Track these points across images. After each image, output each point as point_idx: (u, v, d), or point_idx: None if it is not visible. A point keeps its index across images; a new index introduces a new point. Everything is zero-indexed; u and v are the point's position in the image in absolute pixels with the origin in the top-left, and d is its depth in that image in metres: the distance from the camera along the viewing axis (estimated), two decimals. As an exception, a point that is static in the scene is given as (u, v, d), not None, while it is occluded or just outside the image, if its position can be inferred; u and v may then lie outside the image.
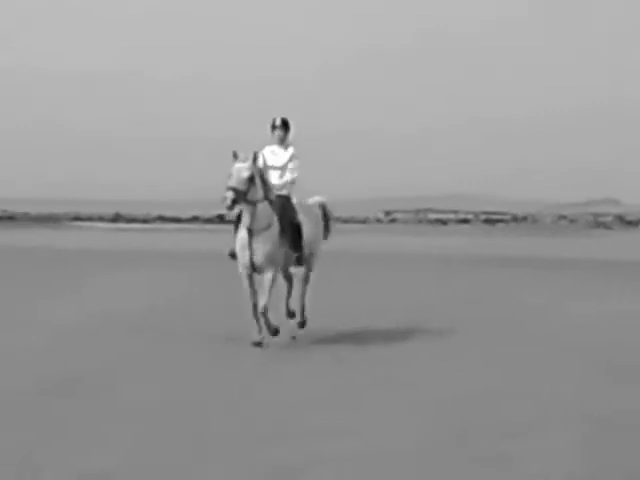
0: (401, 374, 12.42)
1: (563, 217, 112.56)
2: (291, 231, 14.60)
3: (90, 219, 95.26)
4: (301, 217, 14.90)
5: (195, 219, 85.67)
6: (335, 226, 16.28)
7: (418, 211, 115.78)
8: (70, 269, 29.83)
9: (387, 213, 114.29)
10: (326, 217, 15.85)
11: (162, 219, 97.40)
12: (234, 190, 13.74)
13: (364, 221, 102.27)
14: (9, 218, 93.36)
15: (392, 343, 14.84)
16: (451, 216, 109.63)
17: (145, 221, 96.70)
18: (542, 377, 12.44)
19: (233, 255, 14.50)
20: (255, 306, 14.23)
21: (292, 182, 14.93)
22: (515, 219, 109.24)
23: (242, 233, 14.31)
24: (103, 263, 33.31)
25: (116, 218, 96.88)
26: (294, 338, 14.98)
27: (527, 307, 20.34)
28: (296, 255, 14.78)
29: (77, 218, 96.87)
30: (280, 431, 9.29)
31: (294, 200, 15.00)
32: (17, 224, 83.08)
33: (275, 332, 14.39)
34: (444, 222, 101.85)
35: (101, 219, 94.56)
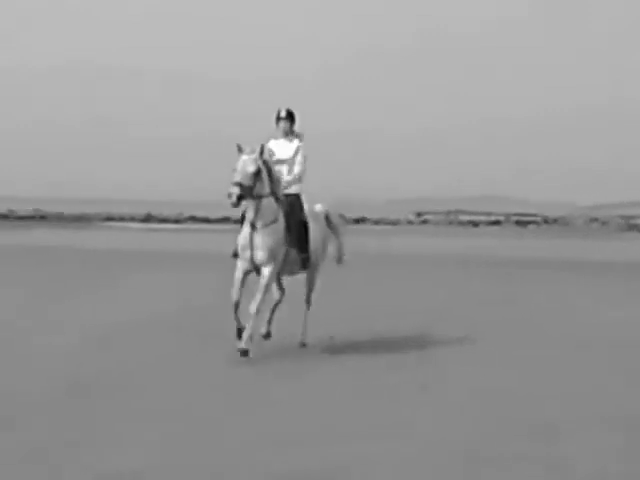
0: (424, 375, 12.45)
1: (594, 220, 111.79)
2: (297, 231, 13.87)
3: (122, 219, 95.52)
4: (310, 220, 14.24)
5: (226, 219, 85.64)
6: (344, 235, 15.47)
7: (449, 212, 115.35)
8: (102, 269, 29.96)
9: (418, 214, 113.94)
10: (332, 226, 15.03)
11: (194, 219, 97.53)
12: (240, 186, 13.09)
13: (395, 222, 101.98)
14: (41, 217, 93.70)
15: (416, 345, 14.88)
16: (482, 218, 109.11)
17: (177, 221, 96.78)
18: (563, 378, 12.47)
19: (237, 255, 13.75)
20: (237, 303, 13.42)
21: (300, 177, 14.22)
22: (546, 221, 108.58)
23: (245, 229, 13.60)
24: (135, 264, 33.42)
25: (148, 218, 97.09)
26: (304, 345, 14.48)
27: (554, 309, 20.32)
28: (302, 257, 14.02)
29: (109, 218, 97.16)
30: (304, 435, 9.34)
31: (304, 199, 14.31)
32: (49, 223, 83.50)
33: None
34: (475, 224, 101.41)
35: (133, 219, 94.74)
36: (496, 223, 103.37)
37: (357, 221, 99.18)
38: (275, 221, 13.51)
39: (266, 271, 13.50)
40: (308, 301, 14.79)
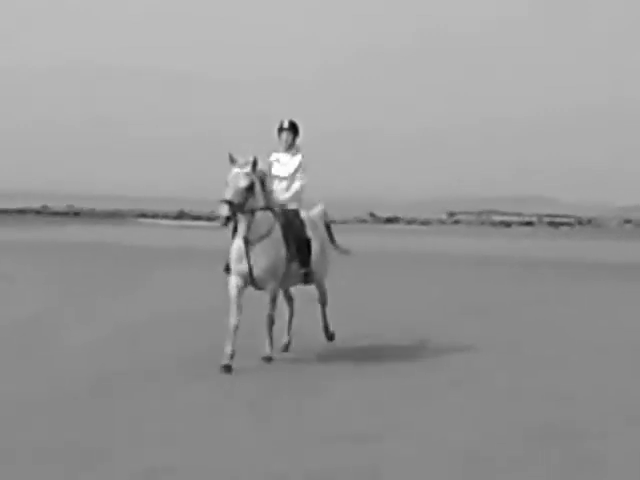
0: (456, 375, 12.40)
1: (628, 221, 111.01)
2: (298, 246, 13.14)
3: (155, 216, 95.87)
4: (310, 233, 13.51)
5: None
6: (333, 234, 14.65)
7: (481, 213, 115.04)
8: (134, 266, 30.05)
9: (450, 214, 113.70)
10: (328, 226, 14.50)
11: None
12: (230, 204, 12.23)
13: (427, 222, 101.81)
14: (75, 214, 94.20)
15: (446, 345, 14.81)
16: (514, 218, 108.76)
17: (210, 219, 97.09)
18: (583, 379, 12.38)
19: (229, 269, 12.96)
20: (236, 327, 12.56)
21: (299, 193, 13.49)
22: (579, 222, 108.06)
23: (238, 242, 12.80)
24: (168, 260, 33.52)
25: (180, 215, 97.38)
26: (286, 348, 14.02)
27: (585, 311, 20.20)
28: (303, 272, 13.36)
29: (142, 215, 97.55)
30: (337, 433, 9.32)
31: (303, 214, 13.58)
32: (83, 220, 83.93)
33: (227, 366, 12.47)
34: (508, 224, 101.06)
35: (165, 216, 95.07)
36: (529, 224, 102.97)
37: (389, 221, 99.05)
38: (269, 233, 12.73)
39: (269, 290, 12.95)
40: (323, 300, 14.42)
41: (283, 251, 12.91)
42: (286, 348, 13.99)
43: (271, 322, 13.04)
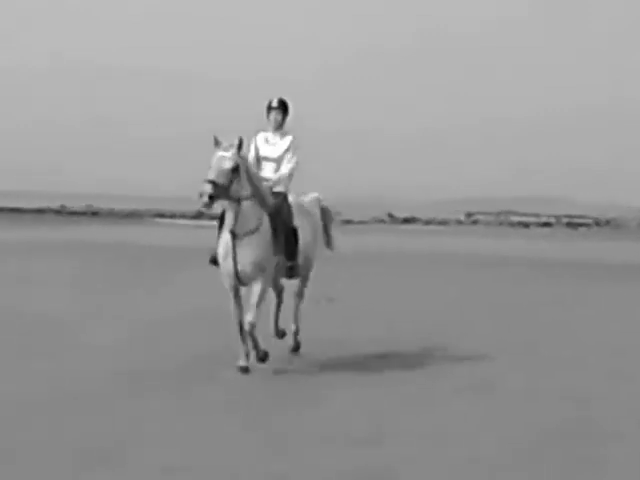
0: (471, 377, 12.42)
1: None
2: (285, 237, 12.31)
3: (173, 216, 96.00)
4: (297, 221, 12.67)
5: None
6: (335, 229, 14.25)
7: (499, 213, 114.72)
8: (153, 266, 30.13)
9: (468, 215, 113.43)
10: (325, 218, 13.81)
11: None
12: (213, 184, 11.47)
13: (445, 223, 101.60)
14: (93, 214, 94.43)
15: (465, 347, 14.82)
16: (532, 219, 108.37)
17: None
18: (596, 381, 12.38)
19: (215, 261, 12.48)
20: (241, 325, 12.22)
21: (289, 175, 12.64)
22: (598, 223, 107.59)
23: (225, 236, 12.19)
24: (186, 260, 33.57)
25: (198, 215, 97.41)
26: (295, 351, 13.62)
27: (598, 313, 20.16)
28: (289, 265, 12.54)
29: (160, 215, 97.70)
30: (368, 433, 9.37)
31: (291, 199, 12.80)
32: (101, 220, 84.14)
33: (264, 356, 12.42)
34: (526, 225, 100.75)
35: (183, 216, 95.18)
36: (547, 225, 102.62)
37: (407, 221, 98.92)
38: (259, 228, 11.98)
39: (257, 287, 12.11)
40: (300, 294, 13.63)
41: (271, 245, 12.14)
42: (296, 349, 13.65)
43: (251, 329, 12.08)
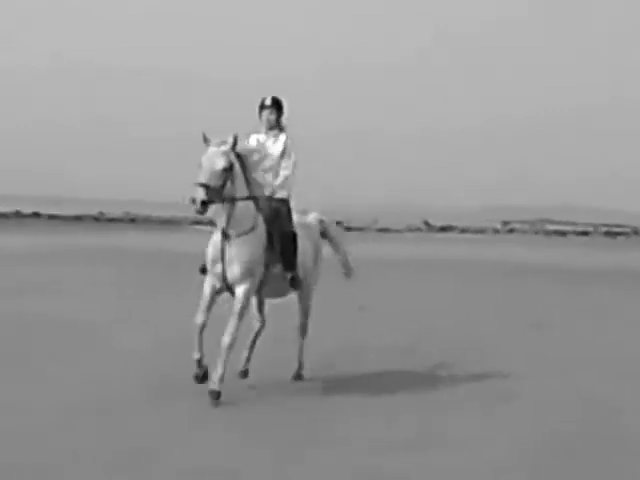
0: (502, 382, 12.37)
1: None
2: (282, 243, 11.22)
3: (209, 223, 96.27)
4: (299, 231, 11.60)
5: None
6: (344, 245, 13.00)
7: (536, 222, 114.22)
8: (188, 272, 30.20)
9: (505, 223, 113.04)
10: (330, 239, 12.64)
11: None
12: (206, 188, 10.37)
13: (482, 231, 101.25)
14: (131, 220, 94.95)
15: (498, 359, 14.74)
16: (569, 227, 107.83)
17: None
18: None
19: (205, 270, 11.18)
20: (200, 335, 11.04)
21: (290, 179, 11.50)
22: (636, 232, 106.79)
23: (215, 237, 11.03)
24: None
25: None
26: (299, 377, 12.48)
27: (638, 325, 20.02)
28: (290, 276, 11.38)
29: (197, 222, 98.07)
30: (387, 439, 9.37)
31: (292, 206, 11.67)
32: (138, 226, 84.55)
33: (204, 376, 11.15)
34: (562, 233, 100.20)
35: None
36: (584, 234, 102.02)
37: (443, 229, 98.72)
38: (253, 229, 10.88)
39: (240, 290, 10.86)
40: (303, 330, 12.50)
41: (265, 250, 11.01)
42: (246, 374, 12.29)
43: (230, 346, 10.95)
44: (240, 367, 12.18)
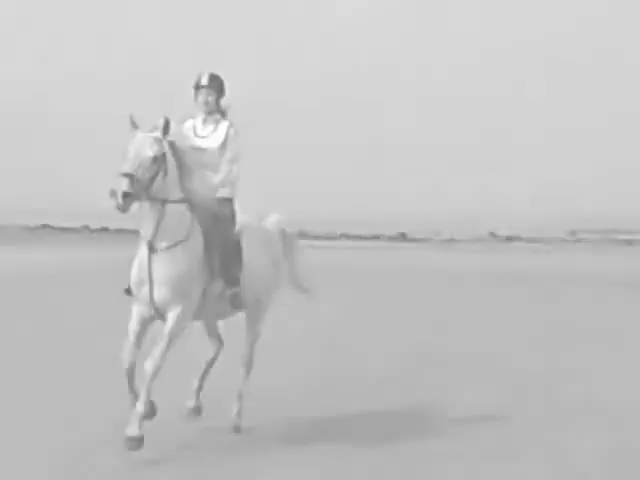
0: (555, 386, 12.24)
1: None
2: (223, 254, 8.99)
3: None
4: (246, 239, 9.30)
5: (378, 237, 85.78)
6: (299, 255, 10.37)
7: (604, 231, 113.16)
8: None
9: (572, 233, 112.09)
10: (287, 247, 10.15)
11: (346, 236, 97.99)
12: (130, 178, 8.18)
13: (549, 241, 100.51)
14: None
15: (556, 359, 14.56)
16: (639, 237, 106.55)
17: (330, 238, 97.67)
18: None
19: (129, 290, 8.75)
20: (131, 376, 8.59)
21: (234, 174, 9.18)
22: None
23: (141, 252, 8.66)
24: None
25: (301, 235, 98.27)
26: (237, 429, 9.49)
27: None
28: (231, 293, 9.02)
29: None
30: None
31: (237, 207, 9.32)
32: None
33: (152, 411, 8.84)
34: (630, 242, 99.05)
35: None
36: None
37: (509, 239, 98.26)
38: (186, 239, 8.66)
39: (172, 316, 8.57)
40: (247, 364, 9.75)
41: (199, 263, 8.78)
42: (198, 411, 9.79)
43: (153, 374, 8.41)
44: (190, 403, 9.77)
